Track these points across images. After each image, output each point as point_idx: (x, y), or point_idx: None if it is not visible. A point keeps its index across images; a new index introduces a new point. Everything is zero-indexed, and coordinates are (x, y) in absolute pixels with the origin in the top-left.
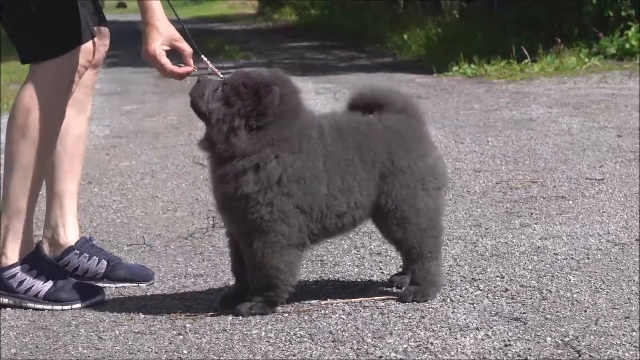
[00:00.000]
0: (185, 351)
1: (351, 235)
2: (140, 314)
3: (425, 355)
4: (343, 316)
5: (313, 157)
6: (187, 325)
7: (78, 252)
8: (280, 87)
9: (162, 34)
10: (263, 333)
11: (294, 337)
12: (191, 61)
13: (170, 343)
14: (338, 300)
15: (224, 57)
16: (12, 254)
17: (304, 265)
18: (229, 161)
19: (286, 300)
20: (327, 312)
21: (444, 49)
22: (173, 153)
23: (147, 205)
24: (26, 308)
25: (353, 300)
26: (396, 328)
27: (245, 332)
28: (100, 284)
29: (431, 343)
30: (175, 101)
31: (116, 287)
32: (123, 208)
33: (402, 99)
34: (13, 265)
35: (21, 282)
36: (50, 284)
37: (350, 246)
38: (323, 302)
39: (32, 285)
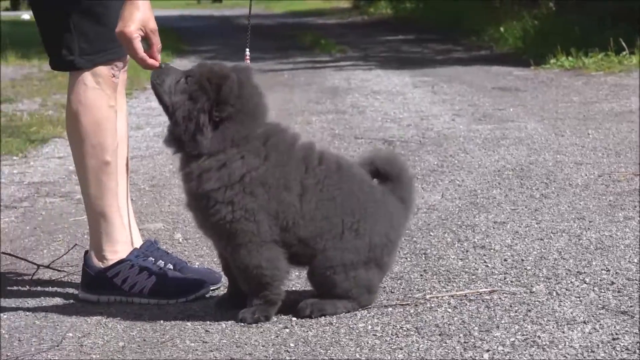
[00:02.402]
0: (292, 344)
1: (454, 229)
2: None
3: (533, 349)
4: (449, 310)
5: (284, 167)
6: (294, 319)
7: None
8: (240, 77)
9: (142, 18)
10: (369, 326)
11: (400, 330)
12: (159, 57)
13: (277, 336)
14: (443, 294)
15: (320, 51)
16: (112, 255)
17: (408, 259)
18: (195, 159)
19: (390, 293)
20: (432, 305)
21: (541, 42)
22: None
23: None
24: (133, 303)
25: (458, 293)
26: (503, 321)
27: (351, 326)
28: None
29: (538, 337)
30: (274, 95)
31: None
32: None
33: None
34: (115, 265)
35: (125, 280)
36: (154, 279)
37: (454, 239)
38: (428, 296)
39: (136, 282)
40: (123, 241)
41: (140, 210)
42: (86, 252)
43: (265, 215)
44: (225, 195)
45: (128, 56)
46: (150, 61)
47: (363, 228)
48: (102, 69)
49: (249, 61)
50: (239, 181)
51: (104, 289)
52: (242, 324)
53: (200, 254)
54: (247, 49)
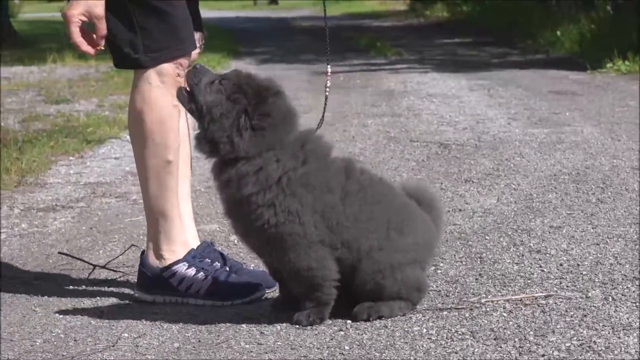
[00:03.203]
0: (346, 347)
1: (510, 233)
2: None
3: (589, 354)
4: (504, 314)
5: (325, 172)
6: (348, 321)
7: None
8: (279, 88)
9: (87, 3)
10: (424, 330)
11: (455, 334)
12: (102, 42)
13: (332, 339)
14: (499, 298)
15: (376, 54)
16: (169, 255)
17: (464, 262)
18: (232, 164)
19: (445, 297)
20: (487, 309)
21: (598, 46)
22: None
23: None
24: (188, 304)
25: (513, 297)
26: (558, 326)
27: (406, 329)
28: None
29: (594, 342)
30: (329, 98)
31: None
32: None
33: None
34: (171, 265)
35: (181, 281)
36: (210, 281)
37: (509, 244)
38: (483, 300)
39: (192, 283)
40: (181, 241)
41: (196, 212)
42: (143, 252)
43: (311, 214)
44: (265, 198)
45: (192, 55)
46: (85, 47)
47: (407, 228)
48: (167, 67)
49: (329, 77)
50: (276, 182)
51: (160, 289)
52: (297, 326)
53: (255, 255)
54: (328, 66)
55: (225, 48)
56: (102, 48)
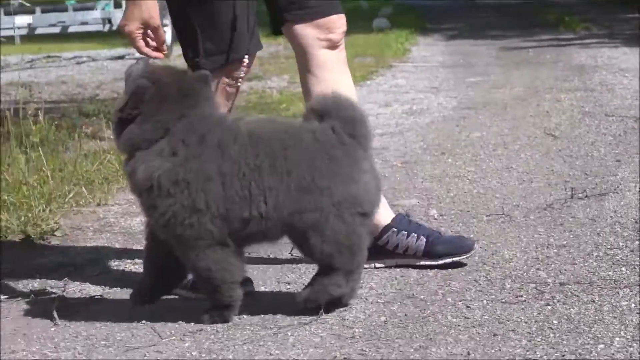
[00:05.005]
0: (555, 321)
1: None
2: (506, 283)
3: None
4: None
5: (198, 160)
6: (555, 296)
7: (396, 230)
8: (157, 81)
9: (143, 16)
10: (633, 305)
11: None
12: (164, 48)
13: (539, 313)
14: None
15: (565, 29)
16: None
17: None
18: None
19: None
20: None
21: None
22: (523, 124)
23: (502, 176)
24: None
25: None
26: None
27: (614, 304)
28: (422, 262)
29: None
30: (520, 73)
31: (438, 265)
32: (478, 179)
33: (350, 110)
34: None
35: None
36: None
37: None
38: None
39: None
40: None
41: (394, 187)
42: None
43: (196, 213)
44: (148, 199)
45: (339, 37)
46: (154, 54)
47: (313, 185)
48: (222, 73)
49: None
50: (149, 187)
51: None
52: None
53: (456, 230)
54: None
55: (412, 24)
56: (166, 51)
